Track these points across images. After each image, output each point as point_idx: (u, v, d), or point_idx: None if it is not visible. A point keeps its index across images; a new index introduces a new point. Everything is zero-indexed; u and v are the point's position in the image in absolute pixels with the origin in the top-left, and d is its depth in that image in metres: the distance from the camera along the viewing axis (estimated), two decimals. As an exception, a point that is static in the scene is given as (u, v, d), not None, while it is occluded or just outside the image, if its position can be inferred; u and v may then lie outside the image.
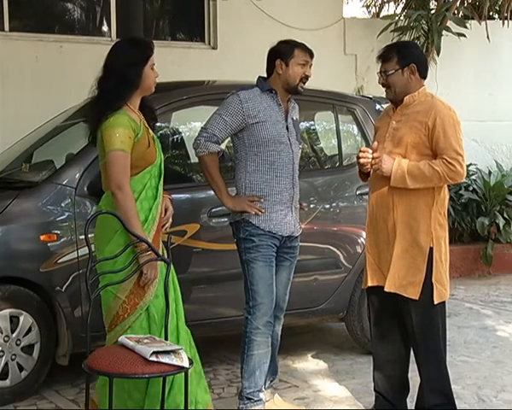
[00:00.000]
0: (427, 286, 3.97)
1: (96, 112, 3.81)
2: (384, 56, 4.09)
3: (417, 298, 3.96)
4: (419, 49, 4.39)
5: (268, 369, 4.33)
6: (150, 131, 3.92)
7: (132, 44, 3.92)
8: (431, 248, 3.98)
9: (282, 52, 4.23)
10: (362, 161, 4.03)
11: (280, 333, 4.46)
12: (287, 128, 4.26)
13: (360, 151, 4.06)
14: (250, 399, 4.26)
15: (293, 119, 4.33)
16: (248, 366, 4.24)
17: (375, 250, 4.15)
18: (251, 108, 4.17)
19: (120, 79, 3.77)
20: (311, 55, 4.27)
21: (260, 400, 4.28)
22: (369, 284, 4.16)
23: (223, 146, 4.37)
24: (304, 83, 4.25)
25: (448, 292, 4.09)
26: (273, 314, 4.30)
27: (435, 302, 3.99)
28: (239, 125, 4.19)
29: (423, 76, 4.09)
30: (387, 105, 4.30)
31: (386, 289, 4.02)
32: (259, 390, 4.28)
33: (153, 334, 3.72)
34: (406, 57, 4.04)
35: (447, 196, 4.11)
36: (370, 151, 4.02)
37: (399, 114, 4.07)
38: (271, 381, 4.48)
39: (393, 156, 3.99)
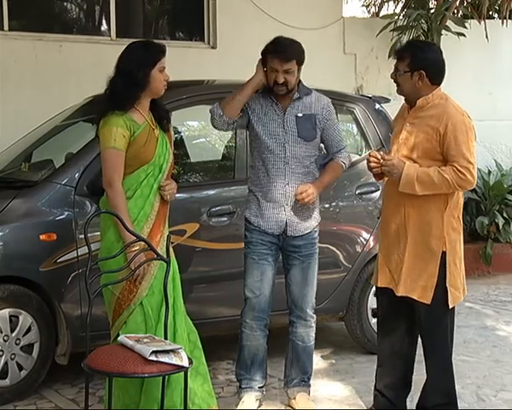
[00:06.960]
0: (440, 290, 3.94)
1: (102, 111, 3.86)
2: (399, 54, 4.03)
3: (429, 302, 3.94)
4: (436, 53, 4.06)
5: (291, 367, 4.46)
6: (156, 131, 3.93)
7: (143, 47, 3.96)
8: (444, 253, 3.95)
9: None
10: (371, 165, 4.00)
11: (312, 335, 4.52)
12: (283, 127, 4.26)
13: (370, 155, 4.03)
14: (239, 386, 4.44)
15: (297, 116, 4.28)
16: (240, 354, 4.46)
17: (385, 253, 4.13)
18: (252, 102, 4.28)
19: (128, 80, 3.82)
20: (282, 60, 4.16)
21: (250, 388, 4.40)
22: (379, 284, 4.15)
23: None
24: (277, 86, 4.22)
25: (462, 295, 4.07)
26: (294, 314, 4.43)
27: (450, 306, 3.97)
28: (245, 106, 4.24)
29: (435, 82, 3.96)
30: (402, 103, 4.18)
31: (397, 294, 4.00)
32: (251, 379, 4.40)
33: (149, 329, 3.76)
34: (418, 62, 3.92)
35: (461, 199, 4.04)
36: (379, 156, 3.98)
37: (413, 117, 4.00)
38: (303, 380, 4.50)
39: (404, 160, 3.93)
